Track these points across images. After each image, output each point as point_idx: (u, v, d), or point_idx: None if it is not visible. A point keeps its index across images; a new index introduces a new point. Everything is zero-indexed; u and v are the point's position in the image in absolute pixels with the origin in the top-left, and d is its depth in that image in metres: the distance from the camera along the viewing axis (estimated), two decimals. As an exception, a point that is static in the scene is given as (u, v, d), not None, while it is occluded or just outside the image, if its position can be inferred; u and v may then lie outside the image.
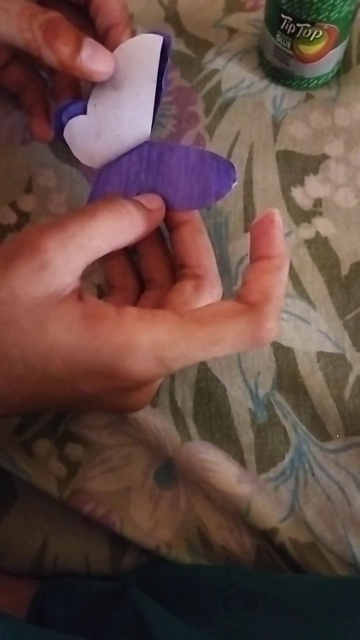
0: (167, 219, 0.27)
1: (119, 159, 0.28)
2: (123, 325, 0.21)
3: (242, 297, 0.23)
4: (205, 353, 0.21)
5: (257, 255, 0.24)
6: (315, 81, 0.34)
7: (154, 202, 0.26)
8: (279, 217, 0.24)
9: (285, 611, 0.26)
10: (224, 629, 0.26)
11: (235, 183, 0.26)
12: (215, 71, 0.35)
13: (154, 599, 0.27)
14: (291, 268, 0.32)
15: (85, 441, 0.31)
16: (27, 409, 0.22)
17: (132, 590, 0.27)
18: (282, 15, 0.30)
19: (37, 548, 0.30)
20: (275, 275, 0.23)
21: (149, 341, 0.21)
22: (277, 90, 0.35)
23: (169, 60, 0.27)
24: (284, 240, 0.24)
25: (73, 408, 0.27)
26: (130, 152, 0.28)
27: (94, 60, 0.24)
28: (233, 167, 0.26)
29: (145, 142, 0.28)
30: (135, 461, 0.30)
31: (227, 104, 0.35)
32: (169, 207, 0.27)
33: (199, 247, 0.27)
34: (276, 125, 0.34)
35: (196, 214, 0.27)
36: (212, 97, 0.35)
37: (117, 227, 0.23)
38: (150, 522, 0.30)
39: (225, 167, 0.27)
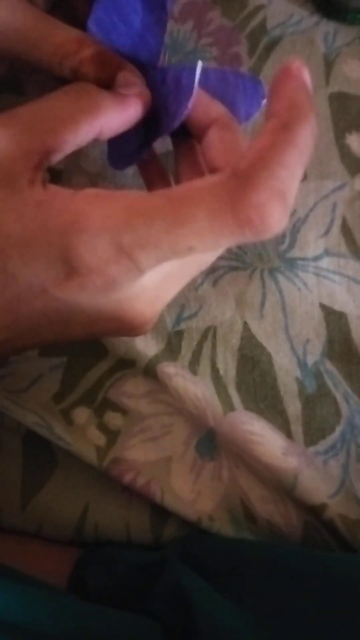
0: (192, 128, 0.24)
1: None
2: (74, 204, 0.18)
3: (232, 170, 0.17)
4: (174, 238, 0.17)
5: (265, 118, 0.19)
6: (374, 12, 0.30)
7: (132, 88, 0.23)
8: (299, 64, 0.18)
9: (334, 591, 0.24)
10: (268, 605, 0.25)
11: (265, 101, 0.24)
12: (259, 7, 0.32)
13: (195, 571, 0.26)
14: (344, 224, 0.29)
15: (125, 410, 0.30)
16: (7, 334, 0.19)
17: (173, 562, 0.26)
18: None
19: (78, 516, 0.30)
20: (279, 134, 0.17)
21: (99, 219, 0.17)
22: (329, 26, 0.31)
23: None
24: (304, 93, 0.18)
25: (59, 333, 0.22)
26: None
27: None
28: (261, 83, 0.24)
29: (157, 69, 0.25)
30: (176, 431, 0.29)
31: (274, 44, 0.31)
32: None
33: (227, 146, 0.22)
34: (328, 65, 0.31)
35: (222, 111, 0.23)
36: (256, 37, 0.32)
37: (75, 108, 0.20)
38: (192, 493, 0.29)
39: (252, 85, 0.24)
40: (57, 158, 0.21)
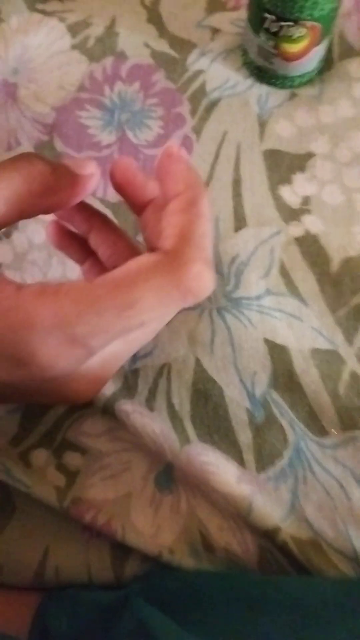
0: (131, 203, 0.24)
1: None
2: (21, 303, 0.18)
3: (158, 248, 0.19)
4: (125, 320, 0.18)
5: (166, 198, 0.21)
6: (299, 79, 0.34)
7: (84, 167, 0.22)
8: (177, 147, 0.21)
9: (289, 614, 0.26)
10: (227, 634, 0.26)
11: None
12: (199, 72, 0.35)
13: (157, 607, 0.26)
14: (282, 266, 0.32)
15: (84, 449, 0.31)
16: None
17: (134, 600, 0.27)
18: (265, 14, 0.30)
19: (38, 560, 0.30)
20: (190, 211, 0.19)
21: (50, 317, 0.18)
22: (261, 89, 0.35)
23: None
24: (192, 171, 0.20)
25: (10, 400, 0.24)
26: None
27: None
28: None
29: None
30: (135, 467, 0.30)
31: (213, 105, 0.35)
32: None
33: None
34: (262, 124, 0.34)
35: (157, 192, 0.24)
36: (197, 98, 0.35)
37: (26, 191, 0.20)
38: (152, 527, 0.30)
39: None
40: None
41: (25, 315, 0.18)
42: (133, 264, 0.19)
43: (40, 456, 0.31)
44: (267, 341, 0.31)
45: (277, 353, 0.31)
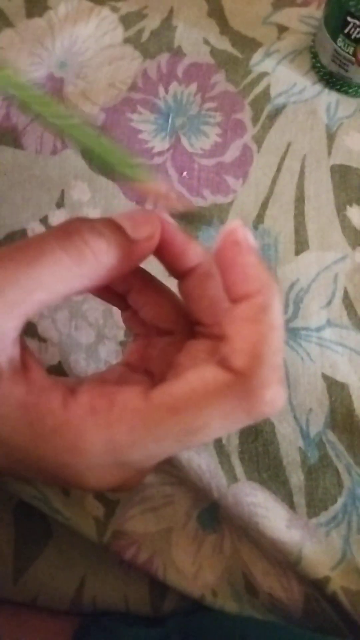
0: (168, 268, 0.20)
1: None
2: (69, 424, 0.16)
3: (225, 361, 0.17)
4: (182, 445, 0.16)
5: (233, 296, 0.17)
6: (374, 87, 0.31)
7: (144, 228, 0.18)
8: (244, 231, 0.17)
9: None
10: None
11: None
12: (263, 74, 0.32)
13: None
14: (346, 296, 0.30)
15: (124, 479, 0.29)
16: None
17: None
18: (348, 18, 0.27)
19: (75, 588, 0.29)
20: (262, 320, 0.17)
21: (102, 443, 0.16)
22: (331, 97, 0.32)
23: None
24: (264, 267, 0.17)
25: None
26: None
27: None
28: None
29: None
30: (178, 501, 0.29)
31: (277, 112, 0.32)
32: None
33: (212, 299, 0.20)
34: (330, 137, 0.31)
35: (201, 255, 0.20)
36: (260, 104, 0.32)
37: (73, 274, 0.16)
38: (193, 566, 0.28)
39: None
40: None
41: (74, 439, 0.16)
42: (196, 382, 0.16)
43: (80, 483, 0.29)
44: (325, 377, 0.29)
45: (337, 390, 0.29)
